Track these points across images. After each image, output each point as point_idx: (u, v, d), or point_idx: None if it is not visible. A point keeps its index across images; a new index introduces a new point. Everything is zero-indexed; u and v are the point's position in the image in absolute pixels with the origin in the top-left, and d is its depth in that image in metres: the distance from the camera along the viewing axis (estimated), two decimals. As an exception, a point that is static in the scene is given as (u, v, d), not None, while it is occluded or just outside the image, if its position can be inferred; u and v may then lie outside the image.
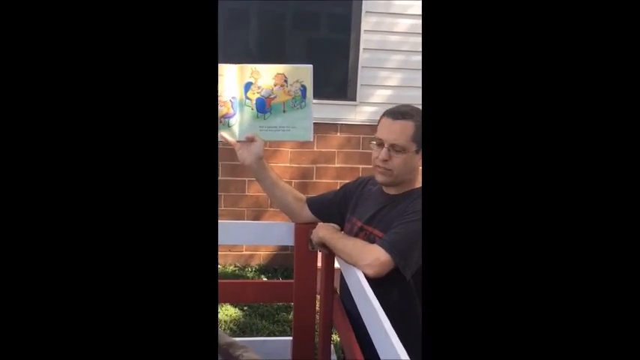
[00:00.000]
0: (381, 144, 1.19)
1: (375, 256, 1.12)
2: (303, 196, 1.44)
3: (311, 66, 1.28)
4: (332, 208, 1.39)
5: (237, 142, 1.30)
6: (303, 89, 1.29)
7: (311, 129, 1.33)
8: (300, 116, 1.31)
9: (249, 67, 1.26)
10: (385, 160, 1.19)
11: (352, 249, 1.20)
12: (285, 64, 1.29)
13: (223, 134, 1.27)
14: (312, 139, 1.40)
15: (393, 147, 1.18)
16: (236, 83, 1.28)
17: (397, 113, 1.20)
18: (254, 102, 1.29)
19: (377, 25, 2.88)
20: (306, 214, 1.40)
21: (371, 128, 2.81)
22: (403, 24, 2.89)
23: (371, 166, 2.32)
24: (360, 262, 1.14)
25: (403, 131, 1.18)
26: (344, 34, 2.90)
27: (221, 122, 1.28)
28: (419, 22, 2.82)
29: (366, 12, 2.81)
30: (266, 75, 1.27)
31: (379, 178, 1.26)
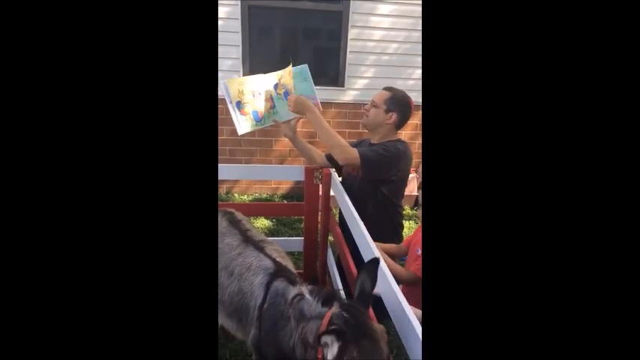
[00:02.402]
0: (370, 102, 1.71)
1: (351, 154, 1.53)
2: (322, 152, 1.85)
3: (306, 65, 1.62)
4: None
5: (282, 122, 1.69)
6: (307, 79, 1.66)
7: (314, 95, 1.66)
8: (310, 92, 1.67)
9: (274, 74, 1.60)
10: (367, 110, 1.71)
11: (335, 141, 1.53)
12: (290, 67, 1.60)
13: (275, 119, 1.64)
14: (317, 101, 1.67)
15: (372, 102, 1.69)
16: (271, 85, 1.60)
17: (384, 87, 1.72)
18: (282, 94, 1.62)
19: (358, 35, 3.51)
20: (323, 161, 1.80)
21: (354, 105, 3.65)
22: (377, 34, 3.51)
23: (354, 130, 3.33)
24: (339, 153, 1.54)
25: (381, 96, 1.68)
26: (337, 42, 3.53)
27: (268, 112, 1.62)
28: (389, 32, 3.53)
29: (351, 26, 3.45)
30: (286, 75, 1.61)
31: (362, 120, 1.74)
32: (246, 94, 1.54)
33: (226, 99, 1.51)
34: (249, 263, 1.25)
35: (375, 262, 0.92)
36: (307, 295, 0.98)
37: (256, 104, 1.57)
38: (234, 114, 1.53)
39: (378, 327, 0.82)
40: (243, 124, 1.56)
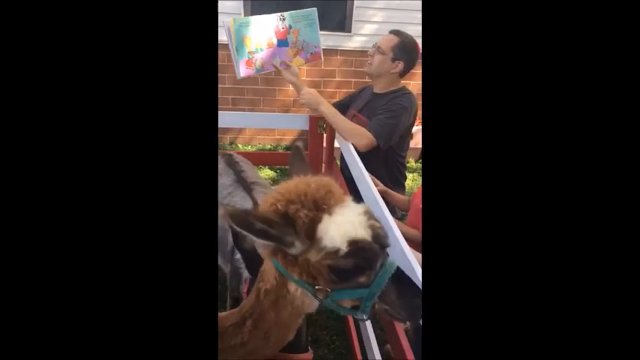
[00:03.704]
0: (374, 46, 1.67)
1: (367, 139, 1.52)
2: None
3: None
4: (342, 107, 1.83)
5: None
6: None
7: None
8: (314, 40, 1.61)
9: (275, 15, 1.51)
10: (371, 56, 1.67)
11: (349, 130, 1.54)
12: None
13: (274, 64, 1.55)
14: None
15: (378, 49, 1.64)
16: (272, 28, 1.51)
17: (391, 31, 1.67)
18: (291, 39, 1.56)
19: (368, -25, 3.34)
20: None
21: (361, 53, 3.53)
22: (388, -27, 3.33)
23: (360, 80, 3.26)
24: (357, 142, 1.53)
25: (388, 41, 1.63)
26: (344, -17, 3.34)
27: (269, 59, 1.54)
28: (401, -28, 3.33)
29: (361, -36, 3.28)
30: (289, 18, 1.53)
31: (365, 67, 1.70)
32: (254, 42, 1.48)
33: (228, 41, 1.43)
34: (234, 202, 1.34)
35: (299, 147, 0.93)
36: None
37: (263, 57, 1.52)
38: (235, 58, 1.48)
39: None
40: (243, 70, 1.52)
